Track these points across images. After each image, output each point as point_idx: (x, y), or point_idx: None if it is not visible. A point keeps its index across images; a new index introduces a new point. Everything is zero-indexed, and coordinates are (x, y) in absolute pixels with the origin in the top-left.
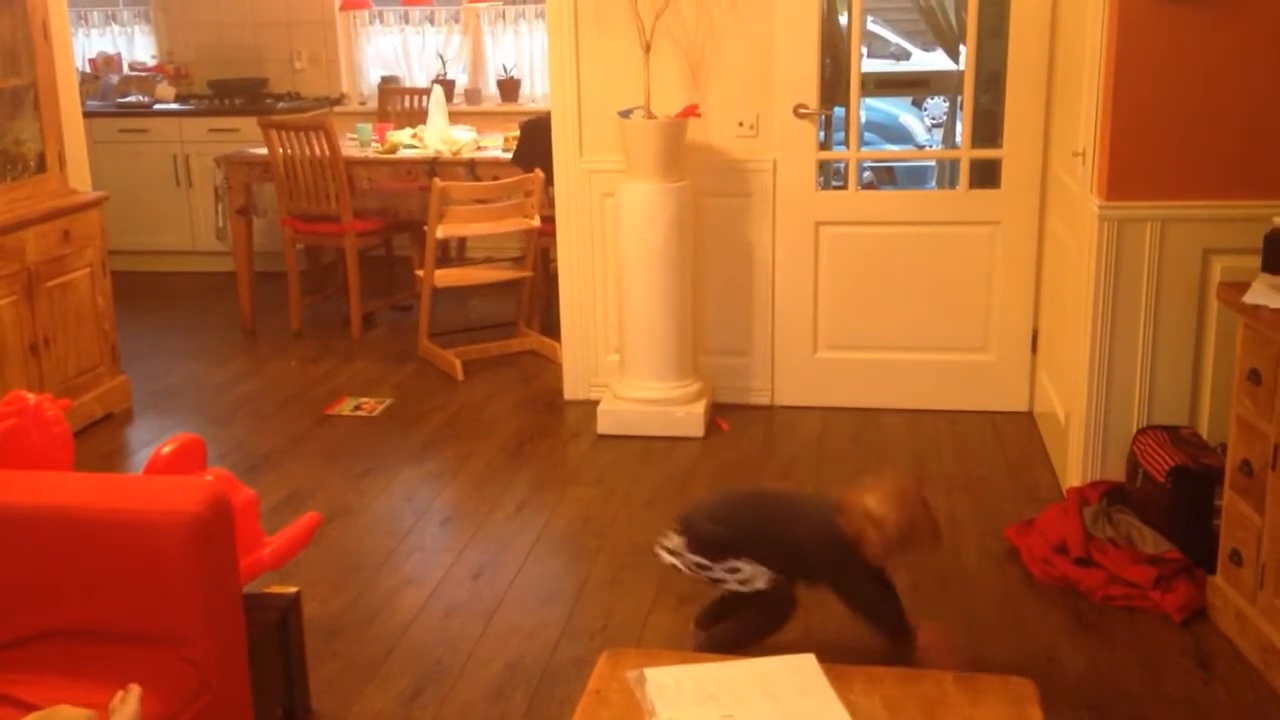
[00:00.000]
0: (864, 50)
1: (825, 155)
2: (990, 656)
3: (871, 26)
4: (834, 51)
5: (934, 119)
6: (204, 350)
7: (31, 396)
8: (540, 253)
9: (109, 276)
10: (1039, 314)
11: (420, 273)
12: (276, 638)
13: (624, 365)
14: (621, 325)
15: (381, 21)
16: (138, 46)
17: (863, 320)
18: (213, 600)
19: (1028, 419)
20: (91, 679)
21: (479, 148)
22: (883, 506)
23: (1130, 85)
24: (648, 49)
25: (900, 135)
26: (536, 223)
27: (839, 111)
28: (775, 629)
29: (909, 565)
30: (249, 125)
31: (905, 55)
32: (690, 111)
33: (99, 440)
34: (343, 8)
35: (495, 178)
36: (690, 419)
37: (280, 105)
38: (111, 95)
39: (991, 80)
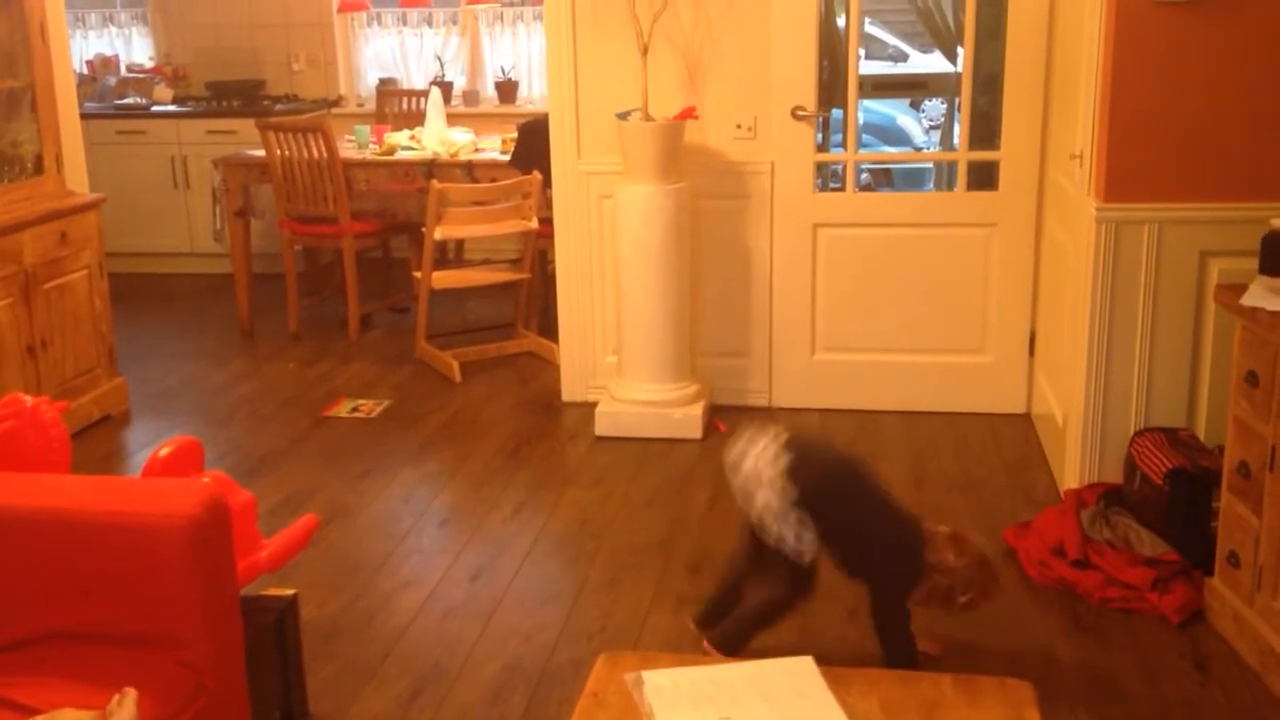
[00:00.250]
0: (862, 52)
1: (823, 157)
2: (988, 658)
3: (869, 28)
4: (832, 53)
5: (932, 121)
6: (202, 352)
7: (29, 398)
8: (538, 254)
9: (106, 278)
10: (1036, 316)
11: (418, 274)
12: (274, 640)
13: (622, 367)
14: (619, 327)
15: (379, 23)
16: (135, 48)
17: (860, 322)
18: (210, 603)
19: (1025, 420)
20: (89, 682)
21: (477, 149)
22: (961, 560)
23: (1128, 88)
24: (645, 51)
25: (898, 137)
26: (534, 224)
27: (837, 113)
28: (797, 604)
29: None
30: (247, 127)
31: (903, 57)
32: (688, 113)
33: (96, 442)
34: (340, 10)
35: (493, 179)
36: (688, 421)
37: (278, 107)
38: (109, 97)
39: (989, 82)
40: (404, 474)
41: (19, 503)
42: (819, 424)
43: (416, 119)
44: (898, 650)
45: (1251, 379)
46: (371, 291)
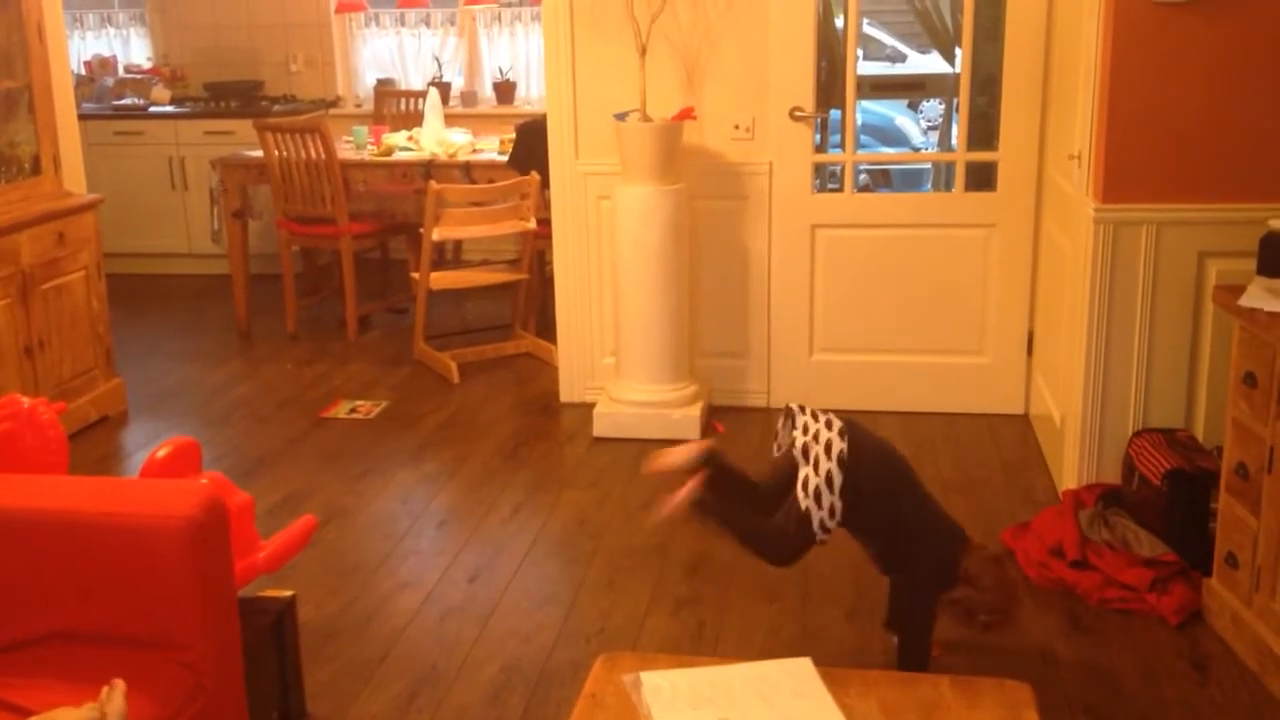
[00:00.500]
0: (860, 53)
1: (821, 158)
2: (986, 659)
3: (867, 29)
4: (830, 54)
5: (929, 122)
6: (199, 353)
7: (26, 399)
8: (536, 255)
9: (104, 279)
10: (1034, 316)
11: (416, 275)
12: (272, 641)
13: (620, 368)
14: (617, 328)
15: (377, 24)
16: (133, 49)
17: (859, 322)
18: (208, 604)
19: (1023, 421)
20: (87, 683)
21: (475, 150)
22: (995, 582)
23: (1126, 88)
24: (643, 52)
25: (896, 138)
26: (532, 225)
27: (835, 114)
28: (772, 561)
29: None
30: (244, 128)
31: (901, 58)
32: (686, 114)
33: (94, 443)
34: (338, 10)
35: (491, 180)
36: (686, 421)
37: (276, 108)
38: (107, 98)
39: (987, 83)
40: (402, 475)
41: (17, 504)
42: None
43: (414, 120)
44: (912, 653)
45: (1250, 380)
46: (369, 292)
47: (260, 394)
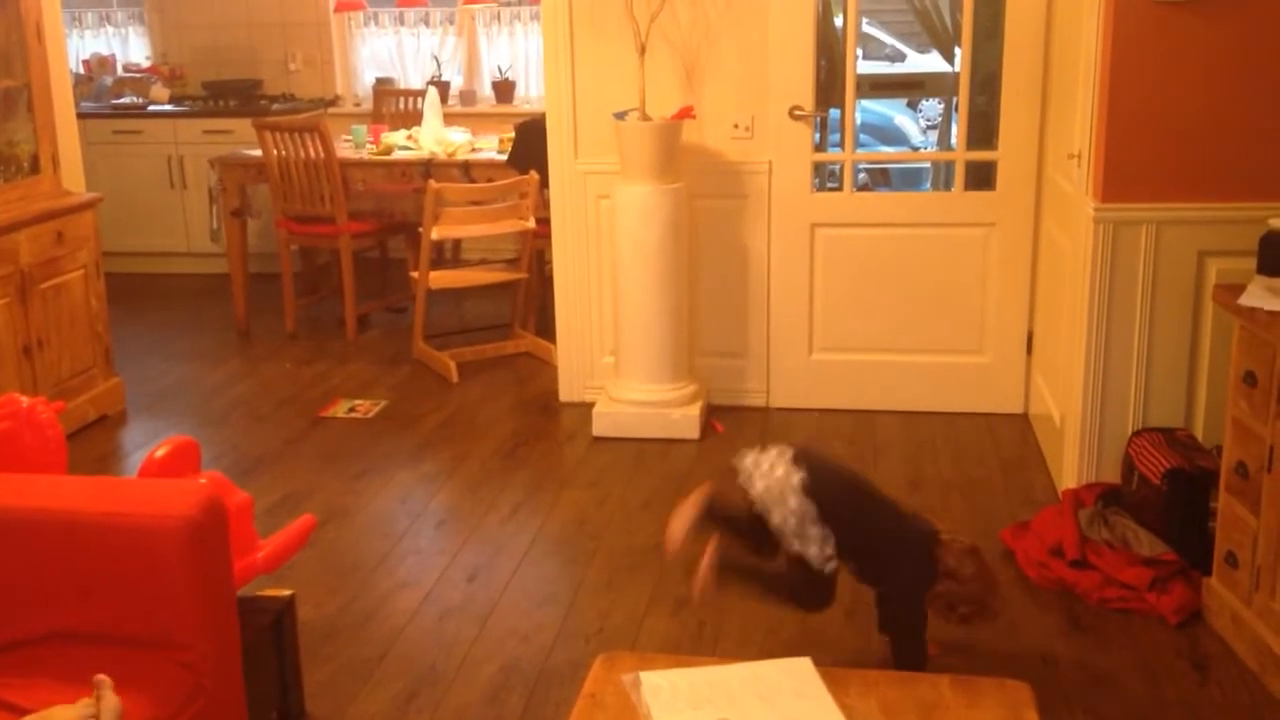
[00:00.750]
0: (859, 52)
1: (820, 157)
2: (986, 658)
3: (866, 28)
4: (829, 53)
5: (929, 121)
6: (198, 352)
7: (25, 399)
8: (535, 254)
9: (103, 278)
10: (1034, 316)
11: (415, 274)
12: (271, 641)
13: (619, 367)
14: (617, 327)
15: (376, 23)
16: (132, 48)
17: (858, 322)
18: (207, 603)
19: (1023, 421)
20: (85, 683)
21: (474, 149)
22: (972, 573)
23: (1126, 87)
24: (643, 51)
25: (895, 137)
26: (531, 224)
27: (834, 113)
28: (812, 610)
29: None
30: (243, 127)
31: (900, 57)
32: (685, 113)
33: (93, 443)
34: (337, 9)
35: (490, 179)
36: (686, 421)
37: (275, 107)
38: (106, 96)
39: (987, 82)
40: (401, 475)
41: (15, 504)
42: (816, 424)
43: (413, 119)
44: (908, 653)
45: (1249, 379)
46: (368, 291)
47: (259, 393)
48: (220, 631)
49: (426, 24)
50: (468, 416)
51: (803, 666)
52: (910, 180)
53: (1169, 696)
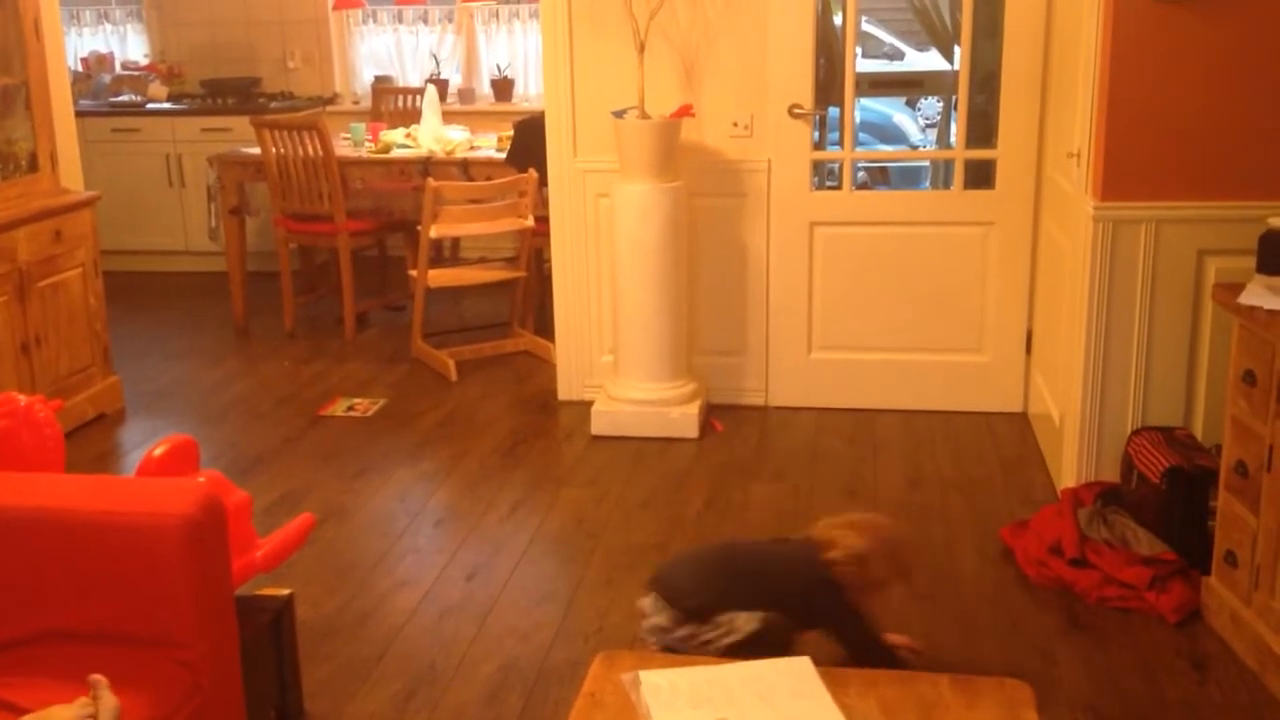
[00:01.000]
0: (858, 50)
1: (820, 155)
2: (985, 658)
3: (865, 26)
4: (828, 51)
5: (928, 119)
6: (196, 351)
7: (23, 397)
8: (534, 253)
9: (101, 276)
10: (1033, 314)
11: (414, 273)
12: (269, 640)
13: (618, 366)
14: (616, 326)
15: (375, 21)
16: (130, 45)
17: (857, 321)
18: (205, 602)
19: (1022, 419)
20: (83, 682)
21: (473, 147)
22: (863, 542)
23: (1125, 86)
24: (642, 49)
25: (894, 135)
26: (530, 223)
27: (833, 112)
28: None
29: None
30: (242, 125)
31: (899, 55)
32: (684, 111)
33: (91, 441)
34: (336, 7)
35: (489, 178)
36: (684, 420)
37: (273, 105)
38: (104, 94)
39: (986, 80)
40: (400, 473)
41: (13, 502)
42: (815, 423)
43: (412, 117)
44: (874, 656)
45: (1249, 378)
46: (367, 290)
47: (258, 392)
48: (218, 630)
49: (425, 22)
50: (466, 415)
51: (802, 666)
52: (909, 179)
53: (1168, 696)
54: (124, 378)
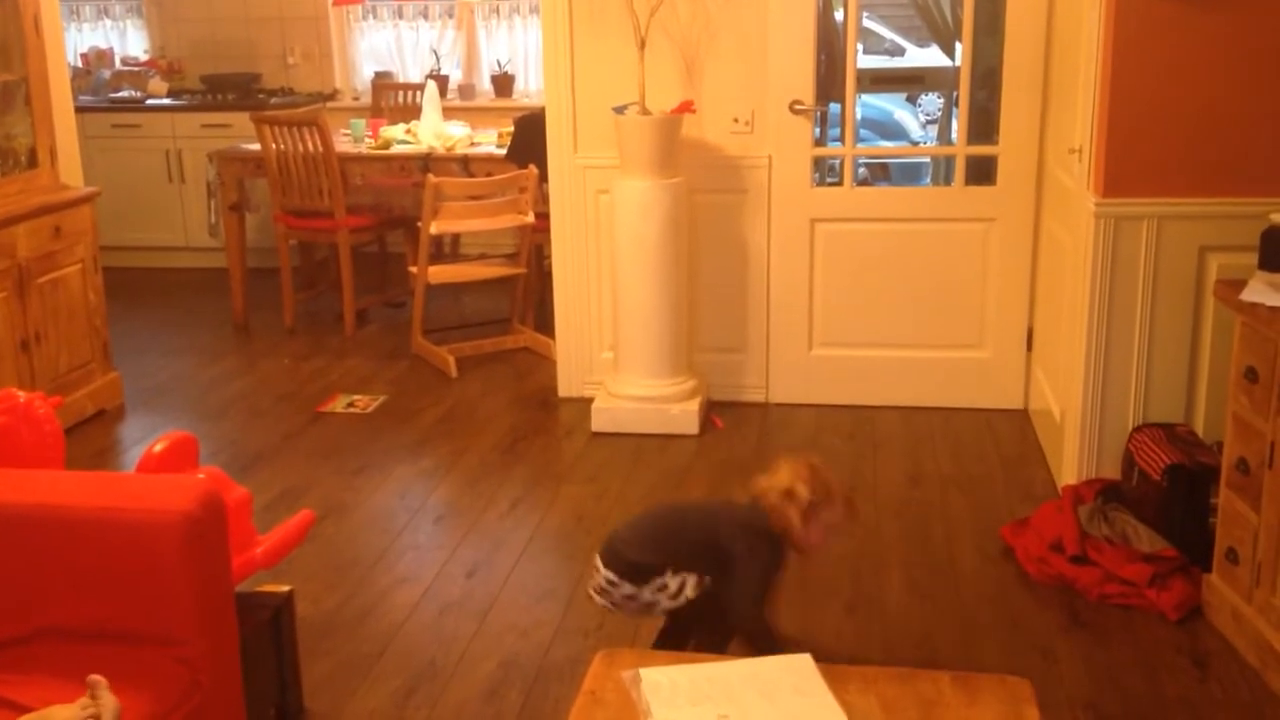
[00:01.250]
0: (859, 46)
1: (821, 151)
2: (985, 655)
3: (866, 22)
4: (829, 48)
5: (928, 115)
6: (196, 347)
7: (22, 394)
8: (534, 249)
9: (100, 272)
10: (1034, 311)
11: (414, 269)
12: (269, 636)
13: (618, 362)
14: (616, 322)
15: (375, 16)
16: (130, 41)
17: (858, 317)
18: (205, 599)
19: (1023, 416)
20: (83, 680)
21: (473, 143)
22: (792, 481)
23: (1128, 82)
24: (642, 45)
25: (895, 131)
26: (530, 219)
27: (834, 108)
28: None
29: (902, 563)
30: (242, 121)
31: (900, 51)
32: (685, 107)
33: (90, 437)
34: (336, 3)
35: (489, 174)
36: (685, 416)
37: (273, 100)
38: (104, 90)
39: (987, 76)
40: (400, 470)
41: (12, 499)
42: (815, 419)
43: (412, 113)
44: (751, 624)
45: (1251, 375)
46: (367, 286)
47: (257, 388)
48: (218, 627)
49: (425, 17)
50: (466, 412)
51: (803, 663)
52: (910, 175)
53: (1169, 693)
54: (124, 374)
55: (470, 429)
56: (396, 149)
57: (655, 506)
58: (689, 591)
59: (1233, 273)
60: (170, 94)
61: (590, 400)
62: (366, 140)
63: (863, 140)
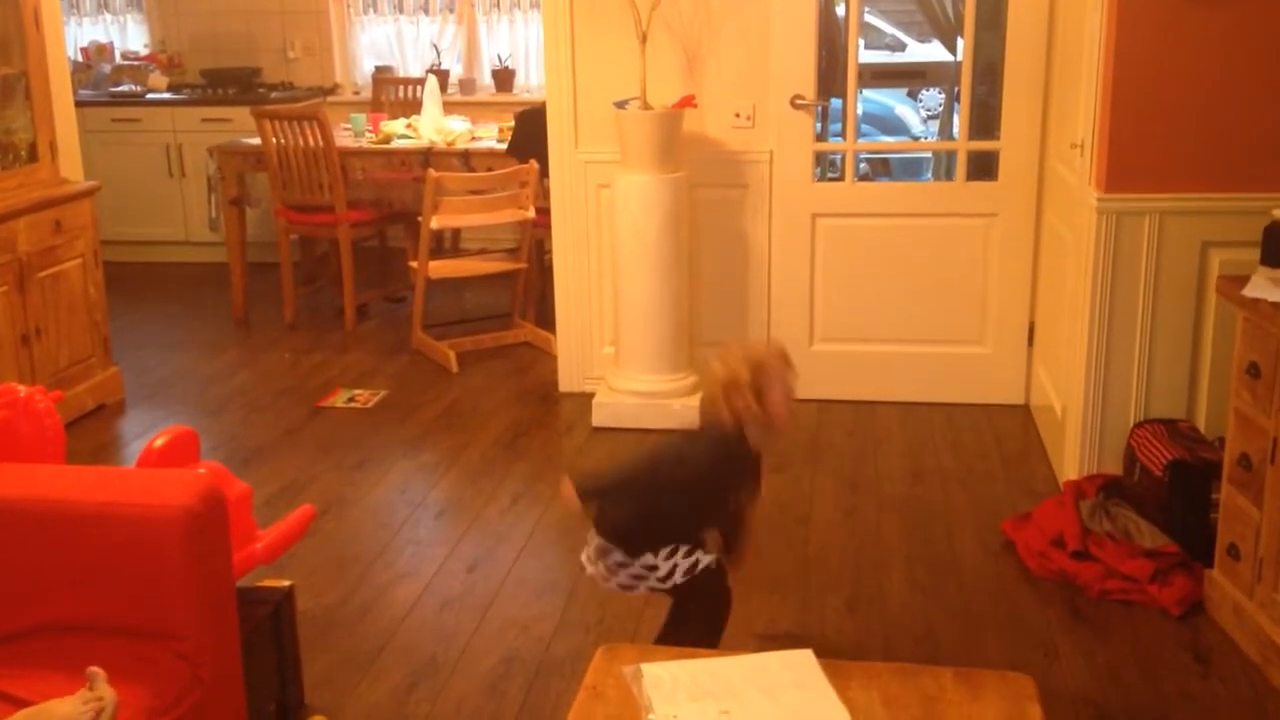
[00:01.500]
0: (860, 41)
1: (822, 146)
2: (986, 651)
3: (867, 17)
4: (830, 43)
5: (929, 110)
6: (197, 341)
7: (23, 388)
8: (535, 244)
9: (101, 267)
10: (1035, 306)
11: (414, 264)
12: (270, 632)
13: (619, 357)
14: (617, 317)
15: (375, 10)
16: (130, 35)
17: (859, 312)
18: (206, 594)
19: (1024, 412)
20: (83, 675)
21: (473, 138)
22: (726, 372)
23: (1130, 77)
24: (644, 39)
25: (895, 127)
26: (531, 214)
27: (835, 103)
28: (717, 626)
29: (903, 559)
30: (242, 115)
31: (901, 46)
32: (686, 102)
33: (91, 432)
34: None
35: (490, 168)
36: (686, 411)
37: (273, 95)
38: (104, 84)
39: (988, 71)
40: (400, 465)
41: (12, 493)
42: (816, 414)
43: (413, 107)
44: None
45: (1253, 370)
46: (367, 281)
47: (258, 383)
48: (219, 622)
49: (426, 12)
50: (467, 407)
51: (804, 659)
52: (911, 170)
53: (1170, 688)
54: (124, 369)
55: (471, 424)
56: (397, 144)
57: (630, 470)
58: (678, 577)
59: (1235, 268)
60: (170, 88)
61: (591, 395)
62: (367, 135)
63: (863, 135)
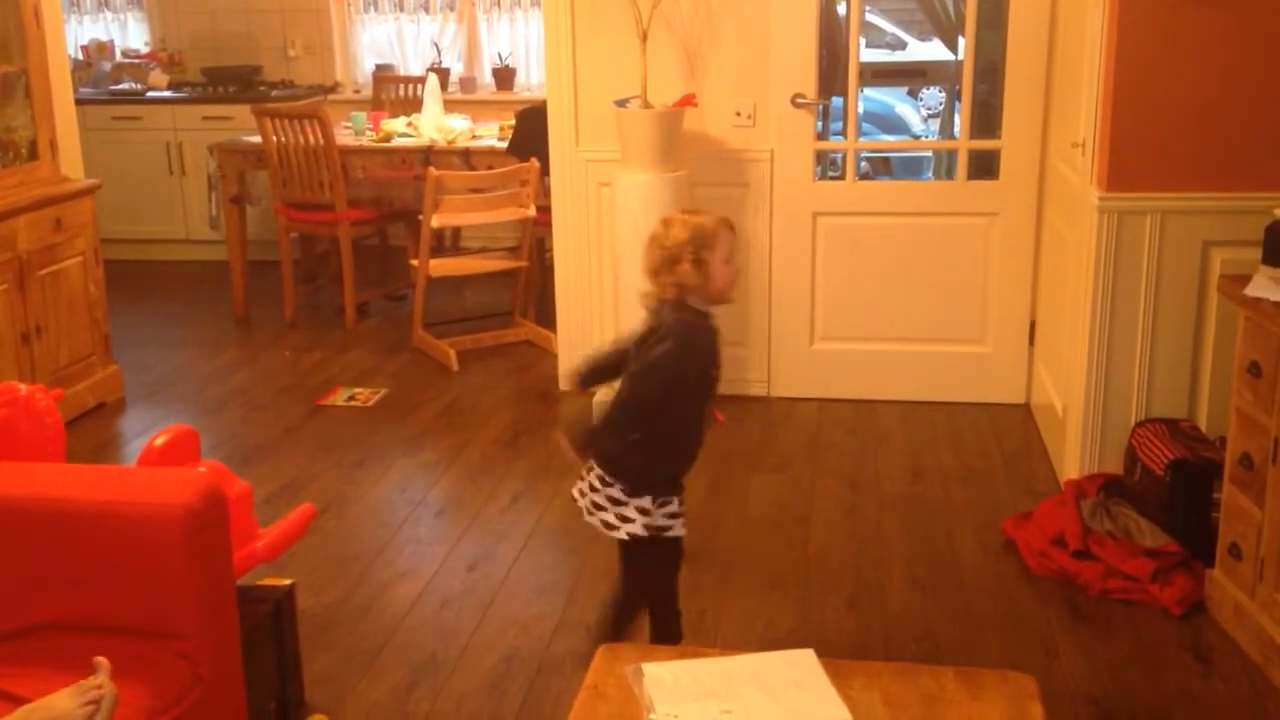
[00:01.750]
0: (861, 40)
1: (823, 145)
2: (987, 650)
3: (868, 16)
4: (831, 41)
5: (930, 109)
6: (197, 340)
7: (23, 386)
8: (536, 242)
9: (101, 265)
10: (1036, 305)
11: (415, 262)
12: (270, 630)
13: None
14: (617, 316)
15: (376, 9)
16: (131, 33)
17: (860, 311)
18: (206, 593)
19: (1025, 411)
20: (84, 672)
21: (474, 136)
22: (666, 243)
23: (1132, 76)
24: (644, 38)
25: (896, 125)
26: (532, 212)
27: (836, 101)
28: (656, 585)
29: (904, 558)
30: (243, 113)
31: (901, 45)
32: (687, 101)
33: (91, 431)
34: None
35: (490, 167)
36: None
37: (274, 93)
38: (104, 82)
39: (989, 70)
40: (401, 463)
41: (13, 492)
42: (817, 413)
43: (413, 105)
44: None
45: (1254, 369)
46: (368, 279)
47: (258, 381)
48: (219, 621)
49: (426, 10)
50: (468, 405)
51: (805, 658)
52: (911, 169)
53: (1171, 688)
54: (124, 367)
55: (471, 422)
56: (397, 142)
57: (615, 402)
58: (638, 529)
59: (1236, 268)
60: (171, 86)
61: (591, 394)
62: (367, 133)
63: (864, 134)
